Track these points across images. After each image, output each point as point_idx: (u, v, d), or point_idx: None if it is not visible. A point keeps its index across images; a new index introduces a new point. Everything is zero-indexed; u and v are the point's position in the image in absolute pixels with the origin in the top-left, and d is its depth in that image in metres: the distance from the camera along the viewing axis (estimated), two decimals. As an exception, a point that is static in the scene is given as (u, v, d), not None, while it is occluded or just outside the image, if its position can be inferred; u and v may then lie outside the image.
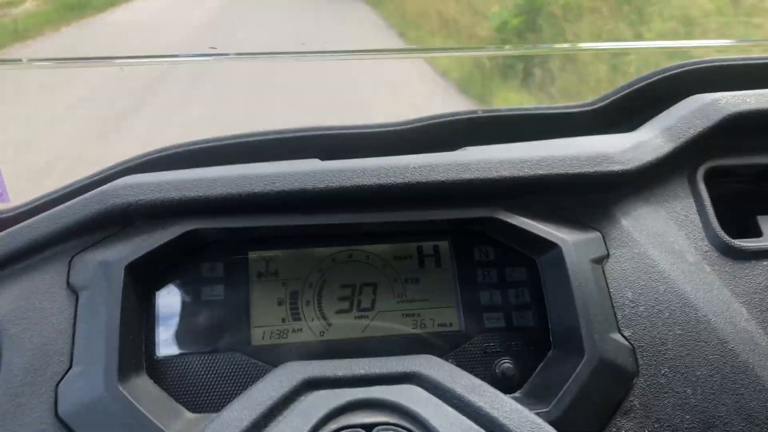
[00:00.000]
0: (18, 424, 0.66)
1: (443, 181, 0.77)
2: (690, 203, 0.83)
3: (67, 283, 0.73)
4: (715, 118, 0.85)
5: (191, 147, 0.89)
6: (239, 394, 0.68)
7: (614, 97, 0.98)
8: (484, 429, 0.63)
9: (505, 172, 0.78)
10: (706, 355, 0.73)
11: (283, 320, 0.77)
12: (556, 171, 0.78)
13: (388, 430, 0.63)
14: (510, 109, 0.98)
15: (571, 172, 0.79)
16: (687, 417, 0.70)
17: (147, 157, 0.88)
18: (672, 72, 0.98)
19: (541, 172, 0.78)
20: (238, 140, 0.89)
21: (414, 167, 0.77)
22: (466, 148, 0.86)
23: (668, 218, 0.82)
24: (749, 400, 0.71)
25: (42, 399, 0.67)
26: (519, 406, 0.64)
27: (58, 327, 0.70)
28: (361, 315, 0.78)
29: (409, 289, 0.80)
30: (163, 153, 0.88)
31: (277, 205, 0.76)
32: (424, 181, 0.77)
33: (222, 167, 0.79)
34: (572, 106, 0.98)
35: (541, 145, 0.84)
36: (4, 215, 0.88)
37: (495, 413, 0.63)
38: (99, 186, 0.78)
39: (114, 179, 0.79)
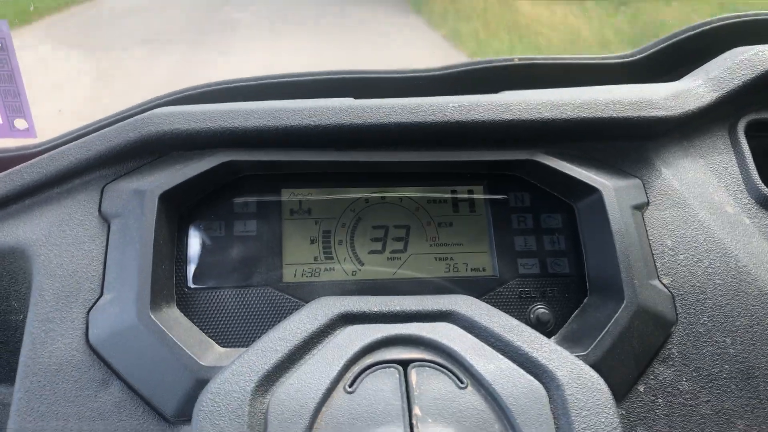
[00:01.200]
0: (48, 350, 0.65)
1: (483, 121, 0.75)
2: (731, 155, 0.82)
3: (99, 210, 0.72)
4: (760, 69, 0.83)
5: (226, 85, 0.87)
6: (269, 329, 0.67)
7: (655, 48, 0.96)
8: (523, 369, 0.62)
9: (547, 114, 0.76)
10: (746, 306, 0.72)
11: (315, 259, 0.76)
12: (599, 114, 0.77)
13: (424, 366, 0.62)
14: (547, 58, 0.96)
15: (614, 115, 0.77)
16: (726, 367, 0.69)
17: (181, 94, 0.87)
18: (715, 24, 0.95)
19: (583, 114, 0.76)
20: (272, 80, 0.87)
21: (453, 106, 0.75)
22: (506, 91, 0.84)
23: (708, 169, 0.80)
24: None
25: (73, 325, 0.66)
26: (559, 348, 0.63)
27: (90, 254, 0.69)
28: (394, 257, 0.77)
29: (442, 233, 0.78)
30: (198, 90, 0.87)
31: (312, 140, 0.74)
32: (463, 120, 0.75)
33: (257, 102, 0.78)
34: (611, 57, 0.96)
35: (583, 90, 0.82)
36: (33, 150, 0.87)
37: (534, 353, 0.62)
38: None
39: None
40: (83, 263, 0.69)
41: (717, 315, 0.71)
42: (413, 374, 0.61)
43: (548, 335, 0.73)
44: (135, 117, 0.75)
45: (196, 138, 0.73)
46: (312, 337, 0.63)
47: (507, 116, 0.75)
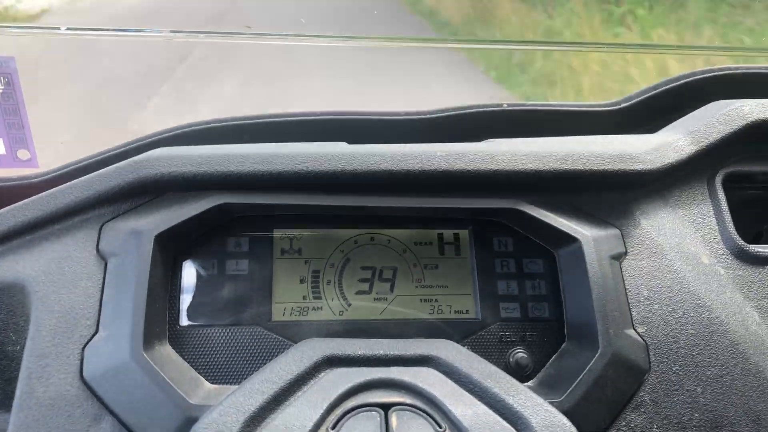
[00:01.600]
0: (44, 384, 0.67)
1: (468, 170, 0.78)
2: (708, 207, 0.85)
3: (97, 249, 0.74)
4: (738, 124, 0.86)
5: (221, 123, 0.90)
6: (258, 367, 0.69)
7: (638, 99, 0.99)
8: (499, 415, 0.64)
9: (530, 165, 0.79)
10: (717, 356, 0.74)
11: (304, 298, 0.79)
12: (580, 167, 0.80)
13: (404, 410, 0.64)
14: (535, 104, 0.99)
15: (595, 168, 0.80)
16: (696, 415, 0.72)
17: (177, 131, 0.90)
18: (697, 77, 0.99)
19: (565, 166, 0.79)
20: (267, 119, 0.90)
21: (441, 155, 0.78)
22: (491, 139, 0.87)
23: (686, 220, 0.83)
24: (758, 402, 0.72)
25: (68, 361, 0.69)
26: (534, 395, 0.66)
27: (87, 291, 0.72)
28: (380, 297, 0.80)
29: (428, 275, 0.81)
30: (193, 128, 0.89)
31: (305, 184, 0.77)
32: (449, 169, 0.78)
33: (252, 145, 0.81)
34: (597, 105, 0.99)
35: (566, 140, 0.85)
36: (34, 180, 0.90)
37: (510, 400, 0.64)
38: (129, 157, 0.80)
39: (147, 150, 0.81)
40: (80, 300, 0.71)
41: (689, 364, 0.74)
42: (394, 418, 0.63)
43: (526, 379, 0.76)
44: (134, 159, 0.77)
45: (192, 181, 0.76)
46: (297, 379, 0.65)
47: (492, 166, 0.79)
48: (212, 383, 0.73)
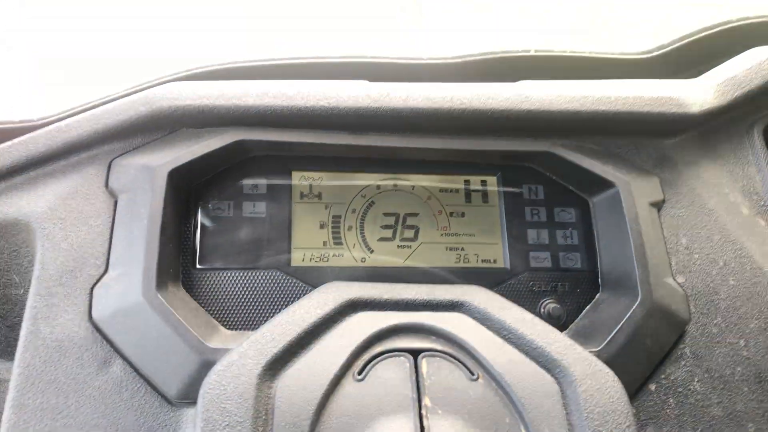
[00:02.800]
0: (50, 325, 0.63)
1: (501, 110, 0.74)
2: (748, 158, 0.81)
3: (106, 185, 0.70)
4: None
5: (236, 65, 0.85)
6: (277, 313, 0.66)
7: (674, 46, 0.94)
8: (536, 362, 0.60)
9: (566, 106, 0.74)
10: (760, 308, 0.71)
11: (324, 243, 0.74)
12: (618, 108, 0.75)
13: (435, 356, 0.61)
14: (564, 51, 0.94)
15: (634, 110, 0.75)
16: (738, 369, 0.68)
17: (190, 72, 0.85)
18: (734, 24, 0.94)
19: (603, 108, 0.75)
20: (285, 61, 0.86)
21: (471, 94, 0.74)
22: (524, 81, 0.82)
23: (725, 170, 0.79)
24: None
25: (76, 301, 0.65)
26: (572, 342, 0.62)
27: (96, 230, 0.68)
28: (404, 245, 0.76)
29: (454, 223, 0.77)
30: (207, 69, 0.85)
31: (325, 122, 0.73)
32: (480, 108, 0.73)
33: (271, 81, 0.76)
34: (629, 53, 0.95)
35: (603, 83, 0.81)
36: (37, 122, 0.85)
37: (548, 347, 0.61)
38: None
39: None
40: (88, 238, 0.67)
41: (731, 316, 0.70)
42: (424, 364, 0.60)
43: (559, 330, 0.72)
44: (146, 91, 0.73)
45: (207, 115, 0.71)
46: (321, 323, 0.61)
47: (525, 106, 0.74)
48: (228, 329, 0.69)
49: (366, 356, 0.60)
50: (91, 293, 0.65)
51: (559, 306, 0.73)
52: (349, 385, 0.57)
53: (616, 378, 0.59)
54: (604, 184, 0.74)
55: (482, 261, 0.76)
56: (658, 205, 0.74)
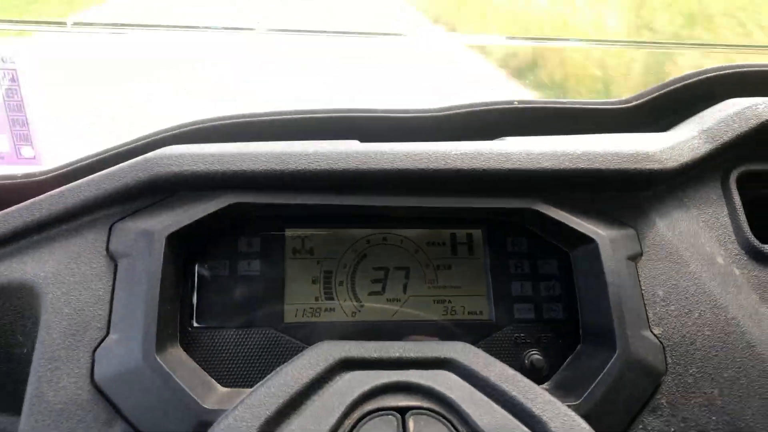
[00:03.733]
0: (54, 388, 0.66)
1: (484, 170, 0.77)
2: (722, 206, 0.84)
3: (107, 249, 0.73)
4: (753, 122, 0.85)
5: (231, 120, 0.89)
6: (270, 370, 0.68)
7: (651, 96, 0.98)
8: (518, 419, 0.63)
9: (547, 164, 0.78)
10: (734, 357, 0.74)
11: (317, 299, 0.77)
12: (597, 166, 0.79)
13: (422, 414, 0.63)
14: (546, 102, 0.98)
15: (612, 167, 0.79)
16: (713, 418, 0.71)
17: (183, 129, 0.88)
18: (710, 74, 0.98)
19: (582, 166, 0.78)
20: (277, 117, 0.89)
21: (456, 154, 0.77)
22: (505, 138, 0.86)
23: (701, 220, 0.83)
24: None
25: (79, 364, 0.67)
26: (552, 398, 0.65)
27: (97, 293, 0.71)
28: (393, 298, 0.79)
29: (441, 276, 0.80)
30: (203, 125, 0.88)
31: (318, 183, 0.76)
32: (465, 168, 0.77)
33: (264, 143, 0.79)
34: (609, 102, 0.98)
35: (581, 139, 0.84)
36: (38, 177, 0.88)
37: (529, 404, 0.64)
38: (138, 154, 0.78)
39: (153, 148, 0.79)
40: (90, 302, 0.70)
41: (706, 366, 0.73)
42: (411, 422, 0.62)
43: (542, 381, 0.75)
44: (144, 157, 0.76)
45: (204, 180, 0.74)
46: (313, 383, 0.64)
47: (508, 165, 0.77)
48: (224, 386, 0.72)
49: (355, 415, 0.62)
50: (93, 356, 0.68)
51: (541, 357, 0.76)
52: None
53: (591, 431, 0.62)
54: (583, 239, 0.77)
55: (468, 313, 0.79)
56: (635, 258, 0.77)
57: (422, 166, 0.77)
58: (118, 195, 0.74)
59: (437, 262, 0.81)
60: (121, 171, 0.75)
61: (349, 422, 0.62)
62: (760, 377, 0.73)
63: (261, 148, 0.77)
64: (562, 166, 0.78)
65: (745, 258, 0.81)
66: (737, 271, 0.80)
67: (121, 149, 0.88)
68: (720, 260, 0.80)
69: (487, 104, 0.95)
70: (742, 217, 0.83)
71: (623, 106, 0.98)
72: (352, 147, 0.78)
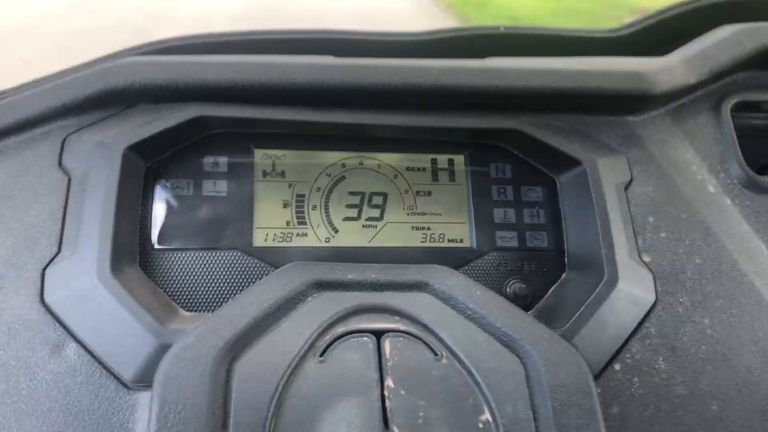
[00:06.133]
0: (0, 308, 0.61)
1: (468, 86, 0.72)
2: (716, 135, 0.80)
3: (60, 163, 0.67)
4: (747, 47, 0.82)
5: (199, 40, 0.83)
6: (237, 293, 0.64)
7: (641, 24, 0.94)
8: (500, 342, 0.60)
9: (535, 82, 0.73)
10: (725, 287, 0.71)
11: (288, 223, 0.73)
12: (586, 84, 0.74)
13: (398, 337, 0.59)
14: (534, 28, 0.93)
15: (603, 86, 0.74)
16: (703, 347, 0.68)
17: (149, 47, 0.82)
18: (702, 3, 0.93)
19: (572, 84, 0.74)
20: (248, 36, 0.83)
21: (439, 69, 0.72)
22: (492, 57, 0.81)
23: (693, 148, 0.79)
24: (765, 334, 0.69)
25: (27, 283, 0.62)
26: (537, 322, 0.61)
27: (48, 209, 0.65)
28: (369, 224, 0.74)
29: (420, 202, 0.76)
30: (168, 44, 0.82)
31: (289, 97, 0.71)
32: (448, 83, 0.72)
33: (232, 56, 0.74)
34: (598, 31, 0.94)
35: (572, 60, 0.80)
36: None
37: (512, 327, 0.60)
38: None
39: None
40: (40, 218, 0.65)
41: (696, 295, 0.70)
42: (387, 344, 0.58)
43: (526, 310, 0.72)
44: (102, 66, 0.70)
45: (165, 90, 0.69)
46: (282, 304, 0.60)
47: (494, 82, 0.73)
48: (188, 311, 0.67)
49: (328, 337, 0.58)
50: (43, 274, 0.63)
51: (525, 286, 0.73)
52: (310, 366, 0.56)
53: (580, 357, 0.58)
54: (571, 163, 0.73)
55: (449, 240, 0.75)
56: (625, 184, 0.74)
57: (403, 80, 0.72)
58: (72, 106, 0.69)
59: (417, 187, 0.76)
60: (77, 81, 0.69)
61: (321, 344, 0.58)
62: (751, 307, 0.70)
63: (229, 58, 0.71)
64: (551, 84, 0.74)
65: (738, 187, 0.78)
66: (729, 200, 0.76)
67: (83, 67, 0.82)
68: (712, 189, 0.76)
69: (472, 29, 0.90)
70: (735, 146, 0.79)
71: (614, 34, 0.94)
72: (324, 60, 0.73)
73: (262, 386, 0.54)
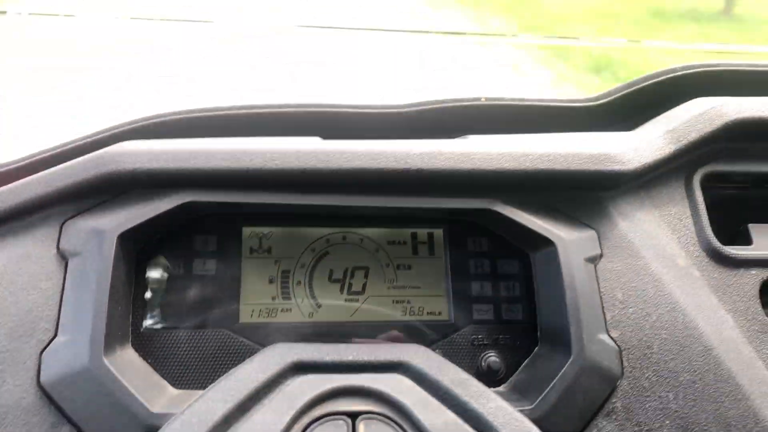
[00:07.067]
0: None
1: (444, 170, 0.76)
2: (685, 207, 0.83)
3: (58, 248, 0.72)
4: (717, 123, 0.85)
5: (189, 115, 0.87)
6: (224, 371, 0.67)
7: (617, 95, 0.97)
8: (468, 424, 0.63)
9: (507, 165, 0.77)
10: (690, 361, 0.74)
11: (273, 298, 0.77)
12: (557, 167, 0.78)
13: (372, 419, 0.63)
14: (513, 99, 0.97)
15: (572, 168, 0.78)
16: (667, 422, 0.71)
17: (141, 123, 0.86)
18: (677, 73, 0.97)
19: (542, 166, 0.78)
20: (237, 111, 0.87)
21: (415, 154, 0.76)
22: (468, 136, 0.85)
23: (663, 221, 0.82)
24: (729, 409, 0.72)
25: (25, 366, 0.66)
26: (504, 403, 0.65)
27: (46, 293, 0.69)
28: (352, 298, 0.78)
29: (401, 276, 0.80)
30: (160, 119, 0.86)
31: (275, 182, 0.75)
32: (424, 168, 0.76)
33: (221, 139, 0.78)
34: (575, 101, 0.97)
35: (543, 139, 0.83)
36: (-3, 170, 0.86)
37: (480, 409, 0.63)
38: (93, 149, 0.77)
39: (108, 143, 0.78)
40: (38, 302, 0.69)
41: (662, 370, 0.73)
42: (362, 426, 0.62)
43: (499, 383, 0.75)
44: (96, 153, 0.74)
45: (157, 178, 0.73)
46: (263, 386, 0.63)
47: (467, 165, 0.77)
48: (177, 388, 0.71)
49: (306, 419, 0.62)
50: (40, 358, 0.66)
51: (498, 360, 0.76)
52: None
53: None
54: (542, 241, 0.76)
55: (428, 314, 0.78)
56: (594, 260, 0.77)
57: (381, 165, 0.75)
58: (70, 192, 0.73)
59: (398, 261, 0.80)
60: (74, 167, 0.74)
61: (298, 426, 0.61)
62: (715, 381, 0.73)
63: (216, 145, 0.76)
64: (522, 167, 0.77)
65: (706, 259, 0.81)
66: (697, 273, 0.80)
67: (78, 144, 0.86)
68: (681, 262, 0.80)
69: (454, 101, 0.94)
70: (705, 217, 0.82)
71: (590, 104, 0.97)
72: (310, 145, 0.77)
73: None
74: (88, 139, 0.87)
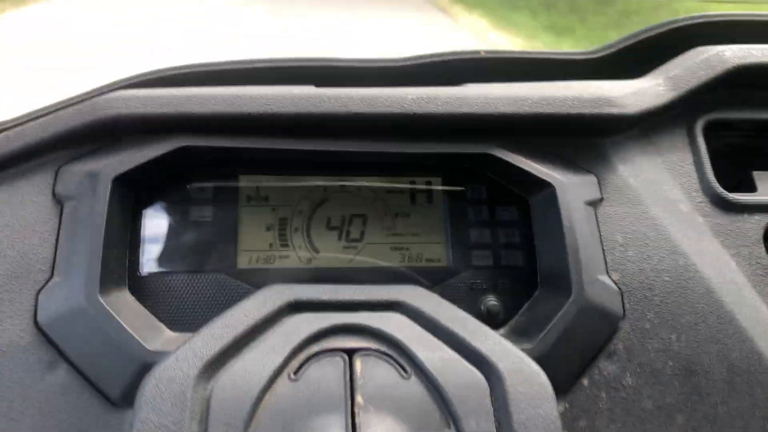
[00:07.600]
0: None
1: (441, 113, 0.75)
2: (687, 154, 0.83)
3: (53, 192, 0.72)
4: (719, 69, 0.84)
5: (184, 70, 0.87)
6: (217, 315, 0.67)
7: (618, 47, 0.96)
8: (467, 360, 0.63)
9: (504, 109, 0.76)
10: (692, 303, 0.73)
11: (271, 246, 0.76)
12: (556, 110, 0.77)
13: (369, 355, 0.63)
14: (513, 52, 0.96)
15: (571, 112, 0.77)
16: (670, 363, 0.70)
17: (137, 78, 0.86)
18: (678, 24, 0.96)
19: (540, 110, 0.77)
20: (231, 65, 0.87)
21: (412, 98, 0.76)
22: (466, 84, 0.84)
23: (664, 167, 0.81)
24: (731, 350, 0.71)
25: (22, 306, 0.66)
26: (503, 340, 0.64)
27: (42, 236, 0.69)
28: (350, 245, 0.78)
29: (399, 223, 0.79)
30: (156, 75, 0.86)
31: (271, 127, 0.74)
32: (421, 112, 0.75)
33: (216, 87, 0.77)
34: (576, 53, 0.96)
35: (542, 85, 0.83)
36: (-8, 128, 0.86)
37: (478, 345, 0.63)
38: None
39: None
40: (34, 245, 0.69)
41: (663, 312, 0.72)
42: (358, 363, 0.62)
43: (498, 327, 0.74)
44: (92, 99, 0.74)
45: (152, 122, 0.73)
46: (258, 325, 0.63)
47: (464, 110, 0.76)
48: (174, 331, 0.71)
49: (302, 356, 0.62)
50: (36, 298, 0.67)
51: (497, 303, 0.75)
52: (283, 385, 0.59)
53: (543, 374, 0.61)
54: (541, 185, 0.76)
55: (426, 260, 0.78)
56: (594, 204, 0.76)
57: (377, 110, 0.75)
58: (64, 138, 0.73)
59: (396, 209, 0.80)
60: (68, 114, 0.74)
61: (294, 363, 0.61)
62: (718, 323, 0.72)
63: (212, 91, 0.75)
64: (520, 111, 0.77)
65: (709, 206, 0.80)
66: (700, 219, 0.79)
67: (76, 99, 0.86)
68: (683, 207, 0.79)
69: (451, 54, 0.93)
70: (708, 164, 0.81)
71: (591, 56, 0.96)
72: (305, 91, 0.76)
73: (237, 404, 0.57)
74: (86, 96, 0.86)
